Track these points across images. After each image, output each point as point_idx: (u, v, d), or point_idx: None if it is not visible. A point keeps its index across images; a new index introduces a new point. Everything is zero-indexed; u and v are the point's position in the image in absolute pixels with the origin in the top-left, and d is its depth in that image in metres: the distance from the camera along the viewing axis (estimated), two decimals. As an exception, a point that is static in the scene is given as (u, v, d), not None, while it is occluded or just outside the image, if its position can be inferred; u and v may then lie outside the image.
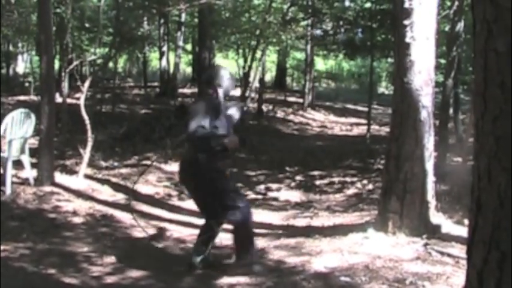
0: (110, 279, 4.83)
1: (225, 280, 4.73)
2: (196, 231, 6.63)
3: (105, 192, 8.27)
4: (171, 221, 7.15)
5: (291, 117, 19.97)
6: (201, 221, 7.16)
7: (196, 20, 20.95)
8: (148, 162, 10.47)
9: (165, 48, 21.91)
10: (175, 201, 8.50)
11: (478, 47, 2.25)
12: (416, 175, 5.62)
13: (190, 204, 8.31)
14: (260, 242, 5.94)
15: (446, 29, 12.22)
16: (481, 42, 2.23)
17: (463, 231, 5.15)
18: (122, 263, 5.24)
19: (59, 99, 11.92)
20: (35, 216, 6.58)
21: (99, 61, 13.83)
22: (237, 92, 19.21)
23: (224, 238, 6.26)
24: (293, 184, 10.15)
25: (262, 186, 9.93)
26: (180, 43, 21.86)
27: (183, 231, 6.67)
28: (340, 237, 5.62)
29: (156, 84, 23.83)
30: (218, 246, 5.89)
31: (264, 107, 19.63)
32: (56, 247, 5.62)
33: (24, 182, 7.80)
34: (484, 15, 2.20)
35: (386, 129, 15.30)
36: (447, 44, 10.62)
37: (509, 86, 2.10)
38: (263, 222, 7.21)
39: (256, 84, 19.75)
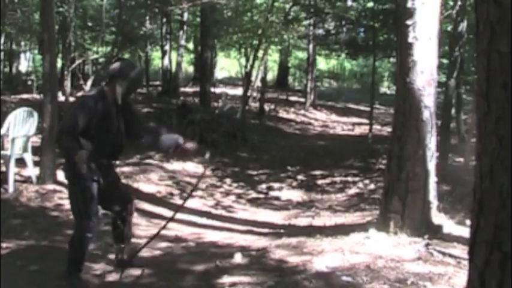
0: (111, 277, 4.84)
1: (227, 279, 4.73)
2: (198, 230, 6.67)
3: (107, 191, 8.27)
4: (172, 220, 7.15)
5: (293, 116, 19.98)
6: (202, 220, 7.21)
7: (198, 19, 20.95)
8: (151, 161, 10.48)
9: (167, 47, 21.91)
10: (176, 200, 8.51)
11: (481, 48, 2.25)
12: (418, 175, 5.61)
13: (191, 203, 8.36)
14: (262, 241, 5.95)
15: (449, 29, 12.21)
16: (484, 42, 2.23)
17: (464, 231, 5.15)
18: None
19: (61, 97, 11.92)
20: (37, 214, 6.60)
21: (101, 60, 13.85)
22: (239, 92, 19.26)
23: (224, 237, 6.28)
24: (295, 183, 10.16)
25: (264, 186, 9.94)
26: (182, 42, 21.88)
27: (185, 230, 6.68)
28: (342, 237, 5.62)
29: (158, 83, 23.84)
30: (220, 245, 5.91)
31: (266, 107, 19.63)
32: (58, 245, 5.63)
33: (27, 180, 7.82)
34: (487, 15, 2.20)
35: (388, 129, 15.30)
36: (450, 44, 10.60)
37: (511, 87, 2.11)
38: (265, 222, 7.23)
39: (258, 83, 19.76)
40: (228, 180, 10.28)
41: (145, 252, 5.51)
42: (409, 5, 5.56)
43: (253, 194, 9.36)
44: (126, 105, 4.77)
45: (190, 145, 5.02)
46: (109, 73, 4.73)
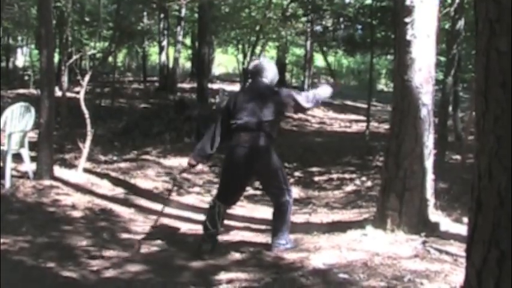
0: (108, 274, 4.83)
1: (224, 275, 4.73)
2: (195, 226, 6.66)
3: (104, 187, 8.28)
4: (169, 216, 7.16)
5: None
6: (199, 216, 7.20)
7: (196, 15, 20.93)
8: (148, 157, 10.49)
9: (164, 43, 21.89)
10: (173, 196, 8.50)
11: (480, 46, 2.26)
12: (415, 173, 5.62)
13: (188, 199, 8.37)
14: (259, 238, 5.95)
15: (447, 26, 12.22)
16: (483, 41, 2.23)
17: (461, 229, 5.16)
18: (121, 257, 5.25)
19: (58, 93, 11.91)
20: (34, 210, 6.59)
21: (98, 55, 13.84)
22: (236, 88, 19.26)
23: (222, 233, 6.27)
24: (292, 180, 10.16)
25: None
26: (180, 38, 21.84)
27: (182, 225, 6.68)
28: (339, 234, 5.63)
29: (155, 78, 23.84)
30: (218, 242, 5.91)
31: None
32: (55, 241, 5.62)
33: (24, 175, 7.81)
34: (487, 14, 2.20)
35: (386, 126, 15.34)
36: (447, 41, 10.62)
37: (510, 86, 2.11)
38: (262, 218, 7.21)
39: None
40: (225, 177, 10.26)
41: (142, 249, 5.52)
42: (407, 2, 5.56)
43: (250, 191, 9.34)
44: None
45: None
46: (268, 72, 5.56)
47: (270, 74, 5.52)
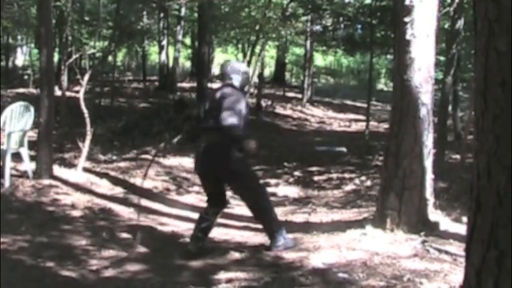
0: (108, 273, 4.84)
1: (223, 275, 4.73)
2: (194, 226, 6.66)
3: (104, 186, 8.28)
4: (169, 215, 7.16)
5: (290, 112, 19.98)
6: (197, 215, 7.19)
7: (196, 14, 20.92)
8: (148, 157, 10.49)
9: (164, 43, 21.89)
10: (173, 196, 8.51)
11: (479, 46, 2.26)
12: (415, 172, 5.62)
13: (188, 198, 8.37)
14: (258, 238, 5.94)
15: (446, 26, 12.22)
16: (482, 40, 2.23)
17: (461, 228, 5.16)
18: (120, 257, 5.25)
19: (58, 92, 11.90)
20: (33, 209, 6.59)
21: (98, 55, 13.83)
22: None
23: (221, 233, 6.28)
24: (291, 180, 10.16)
25: (260, 182, 9.92)
26: (180, 37, 21.84)
27: (181, 225, 6.68)
28: (338, 233, 5.63)
29: (155, 78, 23.84)
30: (217, 241, 5.91)
31: (263, 102, 19.62)
32: (54, 240, 5.63)
33: (23, 174, 7.80)
34: (486, 13, 2.20)
35: (385, 125, 15.34)
36: (447, 41, 10.62)
37: (509, 85, 2.11)
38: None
39: (255, 79, 19.74)
40: (224, 176, 10.26)
41: (141, 249, 5.52)
42: (407, 2, 5.56)
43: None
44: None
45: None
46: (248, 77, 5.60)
47: (236, 76, 5.43)
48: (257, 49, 17.54)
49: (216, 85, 21.57)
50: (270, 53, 26.34)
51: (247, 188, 5.39)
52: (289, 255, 5.09)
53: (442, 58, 12.56)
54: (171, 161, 10.67)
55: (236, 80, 5.42)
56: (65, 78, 11.71)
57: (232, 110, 5.08)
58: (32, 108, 7.96)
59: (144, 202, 7.71)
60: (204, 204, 7.53)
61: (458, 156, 10.06)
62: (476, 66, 2.30)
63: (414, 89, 5.57)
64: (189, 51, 28.26)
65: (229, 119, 5.02)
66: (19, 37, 24.19)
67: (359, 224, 5.87)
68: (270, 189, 9.34)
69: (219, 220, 6.65)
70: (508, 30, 2.12)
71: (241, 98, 5.23)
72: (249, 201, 5.42)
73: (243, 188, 5.41)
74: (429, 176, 5.73)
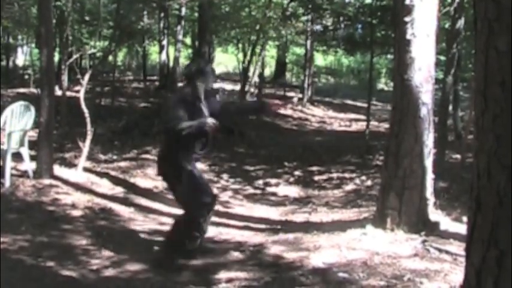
0: (108, 273, 4.84)
1: (223, 275, 4.74)
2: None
3: (104, 186, 8.27)
4: (169, 215, 7.15)
5: (290, 112, 19.96)
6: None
7: (196, 14, 20.92)
8: (148, 156, 10.50)
9: (164, 42, 21.87)
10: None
11: (479, 45, 2.26)
12: (415, 172, 5.62)
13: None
14: (258, 237, 5.95)
15: (447, 26, 12.21)
16: (482, 40, 2.23)
17: (461, 228, 5.16)
18: (121, 257, 5.25)
19: (58, 92, 11.90)
20: (33, 209, 6.58)
21: (98, 54, 13.82)
22: (236, 87, 19.25)
23: (221, 232, 6.28)
24: (292, 179, 10.16)
25: (260, 181, 9.94)
26: (180, 37, 21.81)
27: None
28: (339, 233, 5.63)
29: (155, 78, 23.82)
30: (217, 241, 5.91)
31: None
32: (54, 240, 5.63)
33: (23, 174, 7.80)
34: (486, 13, 2.20)
35: (385, 125, 15.33)
36: (447, 41, 10.60)
37: (509, 85, 2.11)
38: (261, 217, 7.22)
39: (256, 79, 19.74)
40: (224, 176, 10.27)
41: (142, 249, 5.52)
42: (407, 1, 5.56)
43: (250, 190, 9.36)
44: (210, 96, 5.38)
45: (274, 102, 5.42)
46: (188, 75, 5.35)
47: (198, 77, 5.27)
48: (257, 49, 17.55)
49: (216, 85, 21.60)
50: (271, 52, 26.32)
51: (180, 197, 5.31)
52: (290, 255, 5.09)
53: (442, 58, 12.54)
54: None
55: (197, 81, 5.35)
56: (65, 78, 11.71)
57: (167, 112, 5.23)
58: (32, 108, 7.96)
59: (145, 202, 7.72)
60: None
61: (458, 156, 10.06)
62: (477, 65, 2.30)
63: (414, 88, 5.57)
64: (190, 50, 28.24)
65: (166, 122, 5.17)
66: (19, 37, 24.17)
67: (359, 223, 5.87)
68: (270, 189, 9.36)
69: (220, 220, 6.67)
70: (508, 30, 2.12)
71: (177, 98, 5.31)
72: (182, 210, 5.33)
73: (178, 195, 5.33)
74: (429, 176, 5.73)
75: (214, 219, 6.97)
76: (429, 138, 5.69)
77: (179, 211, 7.30)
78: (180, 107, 5.06)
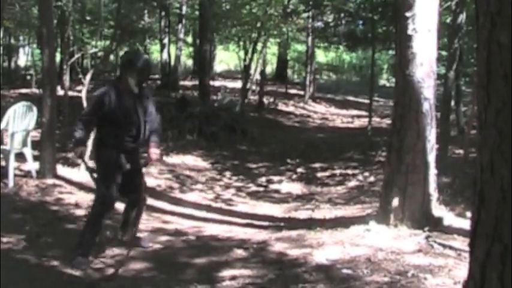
0: (112, 271, 4.84)
1: (227, 272, 4.74)
2: (198, 223, 6.67)
3: (107, 185, 8.27)
4: (172, 213, 7.16)
5: (292, 109, 19.96)
6: (202, 213, 7.22)
7: (197, 12, 20.91)
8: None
9: (166, 41, 21.87)
10: (176, 194, 8.51)
11: (481, 39, 2.25)
12: (418, 167, 5.61)
13: (191, 196, 8.37)
14: (262, 234, 5.95)
15: (448, 20, 12.18)
16: (484, 34, 2.23)
17: (464, 223, 5.15)
18: (124, 255, 5.25)
19: (60, 92, 11.89)
20: (37, 209, 6.60)
21: (100, 54, 13.83)
22: (238, 85, 19.24)
23: (224, 230, 6.28)
24: (294, 176, 10.16)
25: (263, 179, 9.94)
26: (181, 35, 21.84)
27: (184, 223, 6.68)
28: (342, 229, 5.63)
29: (157, 76, 23.81)
30: (220, 239, 5.91)
31: (265, 99, 19.61)
32: (58, 239, 5.63)
33: (27, 174, 7.82)
34: (488, 7, 2.20)
35: (388, 121, 15.30)
36: (449, 36, 10.58)
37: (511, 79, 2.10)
38: (264, 215, 7.23)
39: (257, 76, 19.73)
40: (227, 174, 10.28)
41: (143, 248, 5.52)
42: (408, -3, 5.55)
43: (253, 187, 9.36)
44: (142, 94, 5.21)
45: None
46: (119, 67, 5.26)
47: (128, 71, 5.16)
48: (258, 46, 17.54)
49: (217, 83, 21.61)
50: (272, 50, 26.29)
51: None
52: (293, 252, 5.09)
53: (444, 53, 12.53)
54: (174, 159, 10.68)
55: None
56: (67, 78, 11.69)
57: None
58: (34, 108, 7.96)
59: (148, 200, 7.72)
60: (208, 202, 7.58)
61: (461, 151, 10.04)
62: (479, 60, 2.30)
63: (416, 84, 5.56)
64: (191, 49, 28.25)
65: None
66: (21, 37, 24.20)
67: (362, 219, 5.87)
68: (273, 186, 9.36)
69: (223, 218, 6.68)
70: (510, 23, 2.11)
71: (101, 92, 5.17)
72: None
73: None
74: (432, 171, 5.72)
75: (217, 216, 7.00)
76: (431, 134, 5.68)
77: (183, 209, 7.35)
78: (98, 102, 5.06)
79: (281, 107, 19.88)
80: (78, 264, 4.84)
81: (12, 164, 7.40)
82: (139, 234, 5.59)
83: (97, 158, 5.31)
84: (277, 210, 7.65)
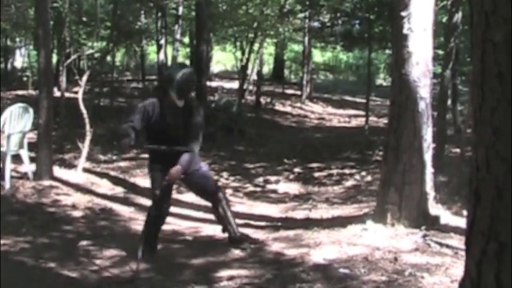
0: (109, 273, 4.84)
1: (225, 272, 4.74)
2: (195, 224, 6.68)
3: (104, 186, 8.28)
4: (170, 214, 7.14)
5: (289, 109, 19.97)
6: (199, 214, 7.21)
7: (193, 13, 20.88)
8: (147, 156, 10.49)
9: (162, 42, 21.84)
10: (173, 194, 8.48)
11: (476, 38, 2.25)
12: (414, 166, 5.62)
13: (188, 197, 8.34)
14: (259, 234, 5.95)
15: (444, 20, 12.20)
16: (478, 33, 2.23)
17: (461, 222, 5.15)
18: (121, 256, 5.25)
19: (57, 93, 11.91)
20: (34, 211, 6.59)
21: (96, 55, 13.80)
22: (235, 85, 19.24)
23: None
24: (292, 176, 10.16)
25: (260, 179, 9.94)
26: (178, 36, 21.80)
27: (182, 223, 6.68)
28: (339, 229, 5.63)
29: (154, 77, 23.79)
30: (218, 239, 5.91)
31: (262, 100, 19.61)
32: (55, 241, 5.63)
33: (23, 176, 7.81)
34: (482, 5, 2.20)
35: (385, 120, 15.31)
36: (445, 35, 10.59)
37: (506, 77, 2.10)
38: (262, 215, 7.23)
39: (254, 76, 19.74)
40: (224, 174, 10.28)
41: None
42: (404, -4, 5.56)
43: (250, 187, 9.36)
44: (188, 107, 5.28)
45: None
46: (161, 82, 5.33)
47: (169, 85, 5.27)
48: (255, 46, 17.54)
49: (214, 83, 21.61)
50: (269, 50, 26.31)
51: None
52: (291, 252, 5.10)
53: (440, 52, 12.54)
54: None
55: None
56: (63, 79, 11.71)
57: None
58: (31, 110, 7.96)
59: (145, 201, 7.72)
60: (205, 203, 7.56)
61: (458, 150, 10.05)
62: (473, 58, 2.30)
63: (412, 83, 5.57)
64: (188, 49, 28.23)
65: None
66: (17, 39, 24.15)
67: (360, 219, 5.87)
68: (270, 186, 9.37)
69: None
70: (505, 22, 2.11)
71: (143, 104, 5.31)
72: None
73: None
74: (429, 170, 5.73)
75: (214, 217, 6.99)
76: (428, 133, 5.69)
77: (180, 210, 7.34)
78: (141, 111, 5.18)
79: (278, 107, 19.89)
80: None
81: (9, 165, 7.39)
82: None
83: (148, 169, 5.59)
84: (274, 210, 7.65)
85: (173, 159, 5.12)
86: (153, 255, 5.22)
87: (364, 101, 16.60)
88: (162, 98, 5.25)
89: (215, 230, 6.14)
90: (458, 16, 10.20)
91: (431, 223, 5.52)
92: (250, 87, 20.33)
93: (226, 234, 5.62)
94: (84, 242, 5.64)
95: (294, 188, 9.31)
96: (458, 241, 4.91)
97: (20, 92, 17.35)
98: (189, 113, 5.24)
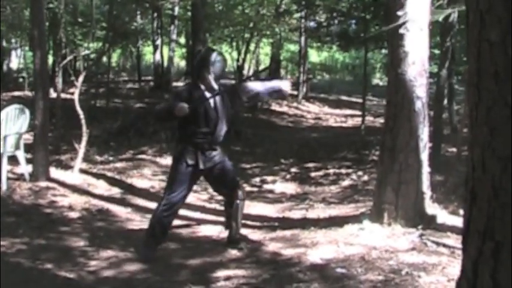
0: (106, 273, 4.83)
1: (222, 273, 4.74)
2: (192, 224, 6.66)
3: (101, 187, 8.27)
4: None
5: (286, 109, 19.97)
6: (196, 214, 7.20)
7: (189, 13, 20.88)
8: (144, 157, 10.49)
9: (158, 42, 21.84)
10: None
11: (472, 37, 2.26)
12: (411, 166, 5.63)
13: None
14: (256, 235, 5.95)
15: (440, 19, 12.21)
16: (474, 32, 2.23)
17: (458, 221, 5.17)
18: (118, 257, 5.25)
19: (53, 94, 11.89)
20: (31, 212, 6.58)
21: (92, 56, 13.80)
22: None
23: (219, 231, 6.27)
24: (288, 176, 10.16)
25: (257, 179, 9.94)
26: (174, 37, 21.80)
27: (179, 224, 6.67)
28: (336, 228, 5.64)
29: (150, 78, 23.78)
30: (215, 239, 5.91)
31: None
32: (52, 242, 5.62)
33: (20, 177, 7.79)
34: (477, 5, 2.20)
35: (381, 120, 15.31)
36: (441, 34, 10.61)
37: (502, 76, 2.11)
38: (259, 215, 7.22)
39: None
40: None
41: (140, 249, 5.51)
42: (399, -4, 5.56)
43: (247, 188, 9.32)
44: (222, 90, 5.32)
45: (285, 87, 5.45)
46: (195, 67, 5.34)
47: (204, 67, 5.33)
48: (251, 47, 17.55)
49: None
50: (265, 50, 26.31)
51: None
52: (288, 252, 5.10)
53: (436, 51, 12.56)
54: (168, 160, 10.65)
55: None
56: (59, 80, 11.68)
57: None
58: (27, 111, 7.94)
59: (142, 202, 7.72)
60: (202, 203, 7.57)
61: (454, 149, 10.07)
62: (469, 58, 2.30)
63: (408, 82, 5.58)
64: (184, 50, 28.22)
65: None
66: (13, 40, 24.11)
67: (356, 218, 5.88)
68: (267, 187, 9.36)
69: (216, 218, 6.67)
70: (500, 21, 2.12)
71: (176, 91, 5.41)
72: None
73: None
74: (425, 170, 5.74)
75: (211, 217, 7.00)
76: (424, 132, 5.69)
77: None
78: (175, 98, 5.22)
79: (274, 107, 19.88)
80: (146, 256, 5.11)
81: (5, 167, 7.38)
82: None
83: (174, 156, 5.39)
84: (271, 210, 7.65)
85: (212, 147, 5.28)
86: (154, 254, 5.21)
87: (360, 100, 16.63)
88: (196, 83, 5.25)
89: (212, 231, 6.15)
90: (454, 15, 10.21)
91: (428, 222, 5.53)
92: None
93: (226, 233, 5.63)
94: (81, 243, 5.63)
95: (291, 188, 9.31)
96: (454, 240, 4.92)
97: (16, 93, 17.32)
98: (225, 96, 5.34)
